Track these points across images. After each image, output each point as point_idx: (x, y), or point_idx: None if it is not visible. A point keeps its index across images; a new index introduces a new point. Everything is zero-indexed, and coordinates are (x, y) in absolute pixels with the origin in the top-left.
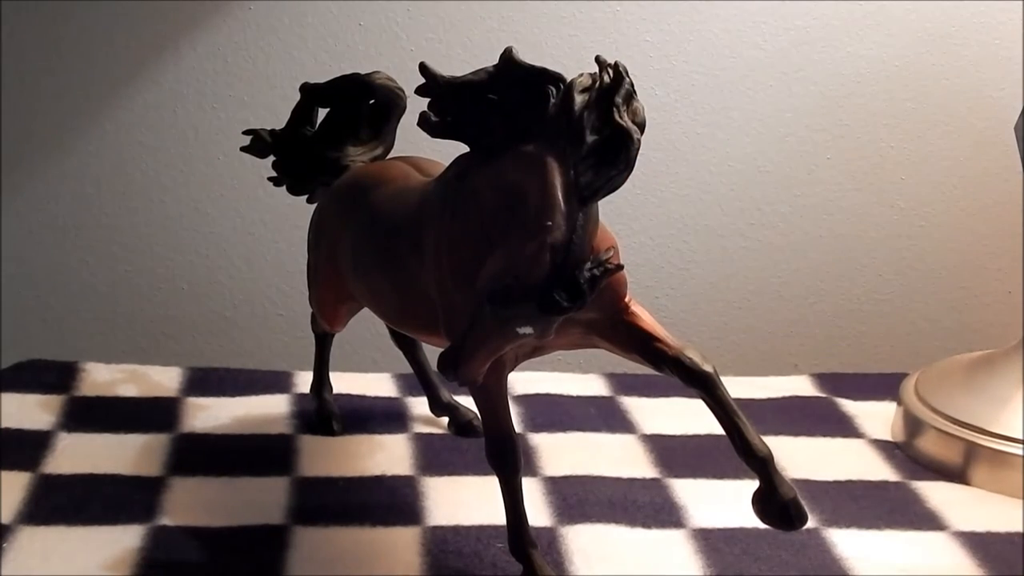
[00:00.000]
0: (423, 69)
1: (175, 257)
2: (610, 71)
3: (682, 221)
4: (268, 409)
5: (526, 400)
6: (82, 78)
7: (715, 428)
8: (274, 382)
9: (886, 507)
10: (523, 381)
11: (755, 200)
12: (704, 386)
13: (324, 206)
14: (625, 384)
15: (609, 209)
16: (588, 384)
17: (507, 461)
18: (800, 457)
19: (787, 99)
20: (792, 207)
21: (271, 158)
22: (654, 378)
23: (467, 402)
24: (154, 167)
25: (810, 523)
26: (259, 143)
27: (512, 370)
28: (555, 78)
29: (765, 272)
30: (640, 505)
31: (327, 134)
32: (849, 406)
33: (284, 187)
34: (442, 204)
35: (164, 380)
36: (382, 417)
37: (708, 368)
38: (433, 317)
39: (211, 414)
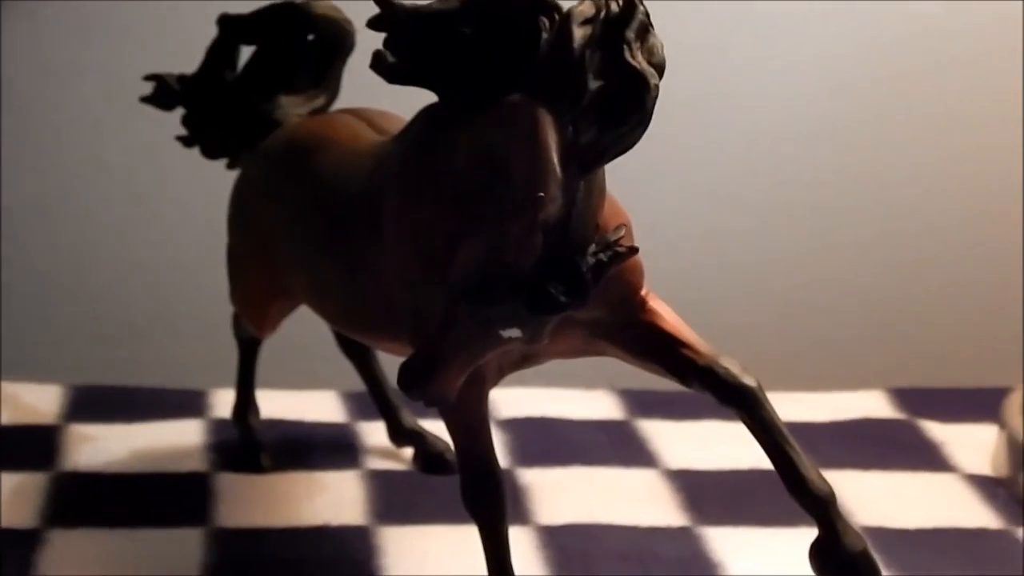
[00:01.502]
0: None
1: (53, 249)
2: None
3: (716, 201)
4: (176, 439)
5: (514, 425)
6: None
7: (760, 460)
8: (183, 403)
9: (984, 562)
10: (510, 400)
11: (810, 184)
12: (745, 405)
13: (250, 175)
14: (642, 403)
15: (622, 185)
16: (594, 403)
17: (489, 505)
18: (872, 497)
19: (851, 100)
20: (861, 194)
21: (179, 111)
22: (680, 395)
23: (437, 428)
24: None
25: None
26: (164, 91)
27: (495, 385)
28: (548, 6)
29: (823, 264)
30: (664, 561)
31: (253, 80)
32: (936, 430)
33: (197, 149)
34: (404, 172)
35: (39, 401)
36: (326, 448)
37: (750, 381)
38: (393, 317)
39: (101, 446)
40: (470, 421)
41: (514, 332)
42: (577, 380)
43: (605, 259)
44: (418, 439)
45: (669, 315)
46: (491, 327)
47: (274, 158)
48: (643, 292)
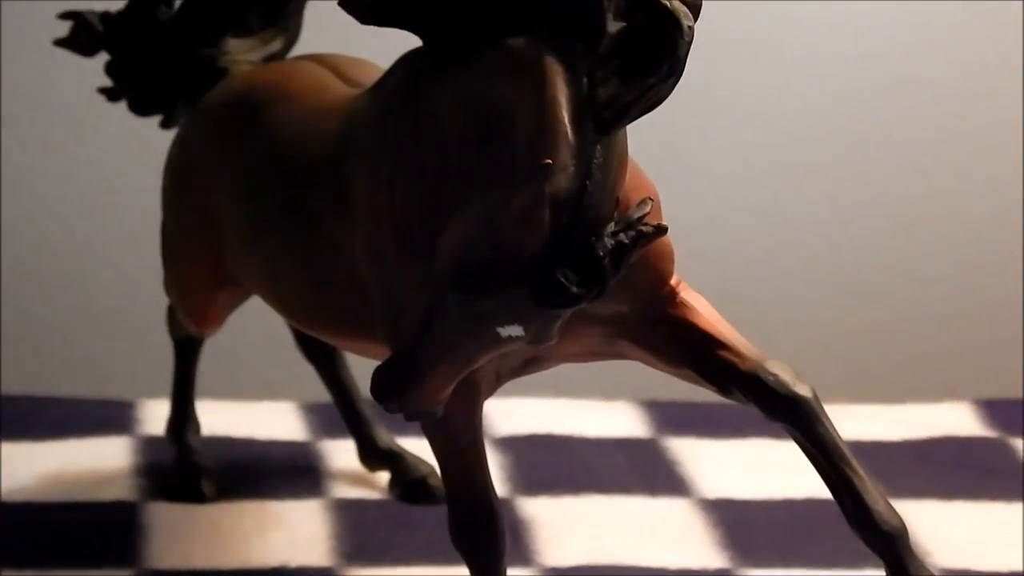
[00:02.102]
0: None
1: None
2: None
3: (767, 188)
4: (97, 461)
5: (514, 444)
6: None
7: (817, 488)
8: (106, 417)
9: None
10: (509, 413)
11: (885, 181)
12: (797, 419)
13: (190, 136)
14: (672, 418)
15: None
16: (613, 418)
17: (483, 542)
18: (955, 533)
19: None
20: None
21: (103, 56)
22: (718, 408)
23: (420, 447)
24: None
25: None
26: (83, 32)
27: (491, 396)
28: None
29: (892, 253)
30: None
31: (193, 18)
32: None
33: (124, 103)
34: (380, 133)
35: None
36: (283, 472)
37: (804, 391)
38: (365, 310)
39: (5, 469)
40: (460, 440)
41: (515, 330)
42: (592, 389)
43: (627, 241)
44: (396, 461)
45: (705, 309)
46: (486, 323)
47: (219, 115)
48: (673, 281)
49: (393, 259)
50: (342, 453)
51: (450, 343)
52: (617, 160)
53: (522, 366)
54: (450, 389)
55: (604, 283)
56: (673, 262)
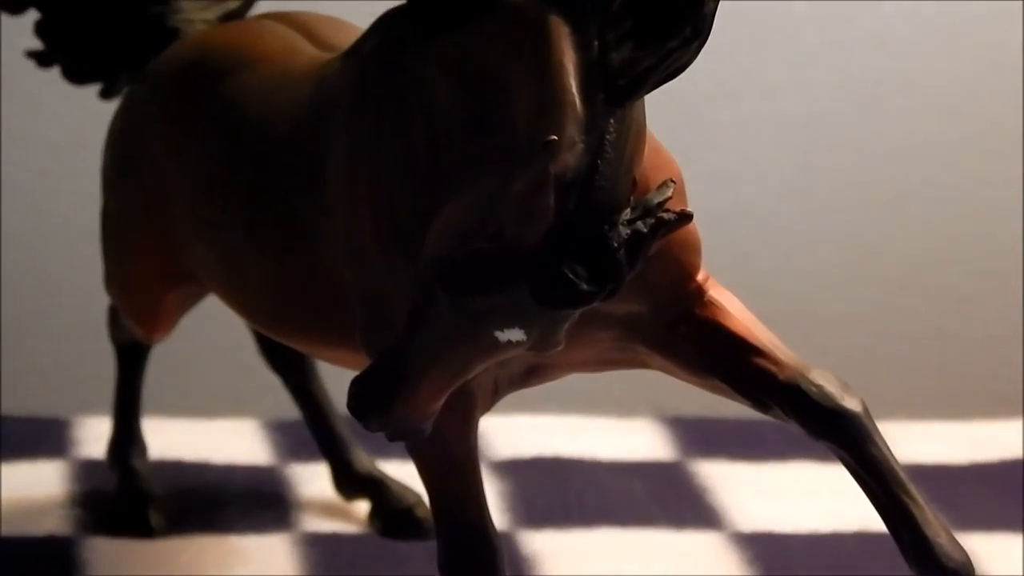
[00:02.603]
0: None
1: None
2: None
3: (815, 182)
4: (27, 488)
5: (516, 469)
6: None
7: (869, 519)
8: (38, 437)
9: None
10: (510, 432)
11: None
12: (845, 437)
13: (136, 107)
14: (700, 437)
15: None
16: (631, 437)
17: None
18: None
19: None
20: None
21: (33, 15)
22: (753, 425)
23: (406, 472)
24: None
25: None
26: None
27: (488, 411)
28: None
29: (959, 249)
30: None
31: None
32: None
33: (59, 70)
34: (358, 104)
35: None
36: (244, 501)
37: (852, 405)
38: (342, 313)
39: None
40: (452, 463)
41: (515, 334)
42: (607, 403)
43: (645, 229)
44: (377, 489)
45: (736, 309)
46: (482, 326)
47: (171, 84)
48: (699, 277)
49: (374, 253)
50: (314, 479)
51: (440, 350)
52: (633, 135)
53: (524, 376)
54: (440, 403)
55: (619, 279)
56: (699, 254)
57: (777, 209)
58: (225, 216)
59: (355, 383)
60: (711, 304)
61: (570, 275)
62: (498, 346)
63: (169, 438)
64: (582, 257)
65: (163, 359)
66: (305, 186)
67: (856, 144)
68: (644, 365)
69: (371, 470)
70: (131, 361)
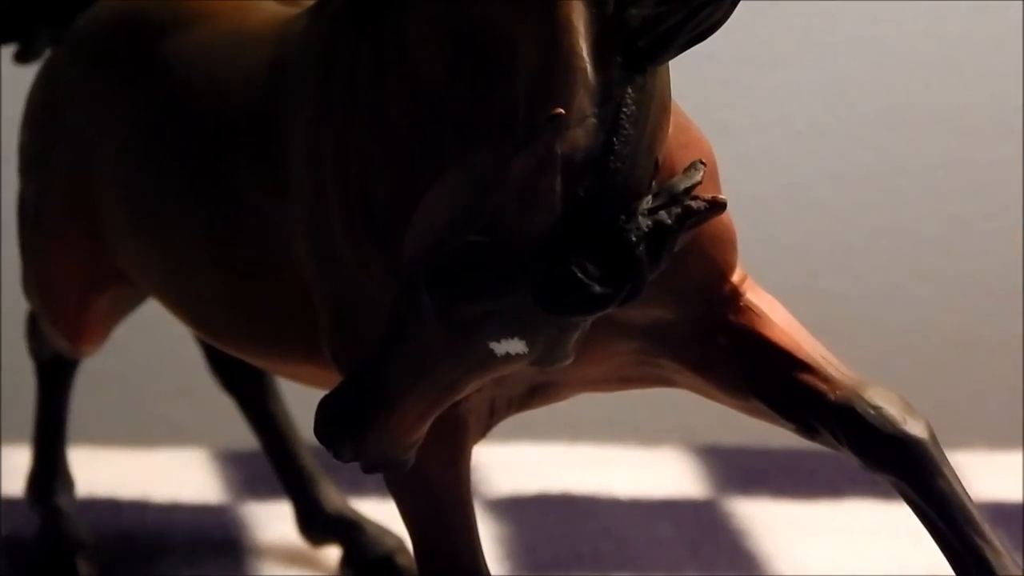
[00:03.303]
0: None
1: None
2: None
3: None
4: None
5: (518, 507)
6: None
7: (935, 563)
8: None
9: None
10: (510, 464)
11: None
12: (908, 469)
13: (59, 74)
14: (737, 470)
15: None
16: (657, 470)
17: None
18: None
19: None
20: None
21: None
22: (800, 456)
23: (385, 513)
24: None
25: None
26: None
27: (484, 437)
28: None
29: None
30: None
31: None
32: None
33: None
34: (324, 72)
35: None
36: (190, 546)
37: (916, 430)
38: (306, 320)
39: None
40: (440, 501)
41: (514, 345)
42: (626, 430)
43: (670, 220)
44: (349, 532)
45: (780, 316)
46: (475, 337)
47: (99, 45)
48: (735, 277)
49: (343, 246)
50: (274, 520)
51: (425, 365)
52: (656, 108)
53: (526, 396)
54: (425, 429)
55: (638, 279)
56: (736, 250)
57: (831, 194)
58: (162, 203)
59: (323, 404)
60: (749, 310)
61: (580, 275)
62: (494, 360)
63: (100, 471)
64: (594, 253)
65: (93, 377)
66: (260, 167)
67: (937, 116)
68: (670, 384)
69: (343, 510)
70: (54, 379)
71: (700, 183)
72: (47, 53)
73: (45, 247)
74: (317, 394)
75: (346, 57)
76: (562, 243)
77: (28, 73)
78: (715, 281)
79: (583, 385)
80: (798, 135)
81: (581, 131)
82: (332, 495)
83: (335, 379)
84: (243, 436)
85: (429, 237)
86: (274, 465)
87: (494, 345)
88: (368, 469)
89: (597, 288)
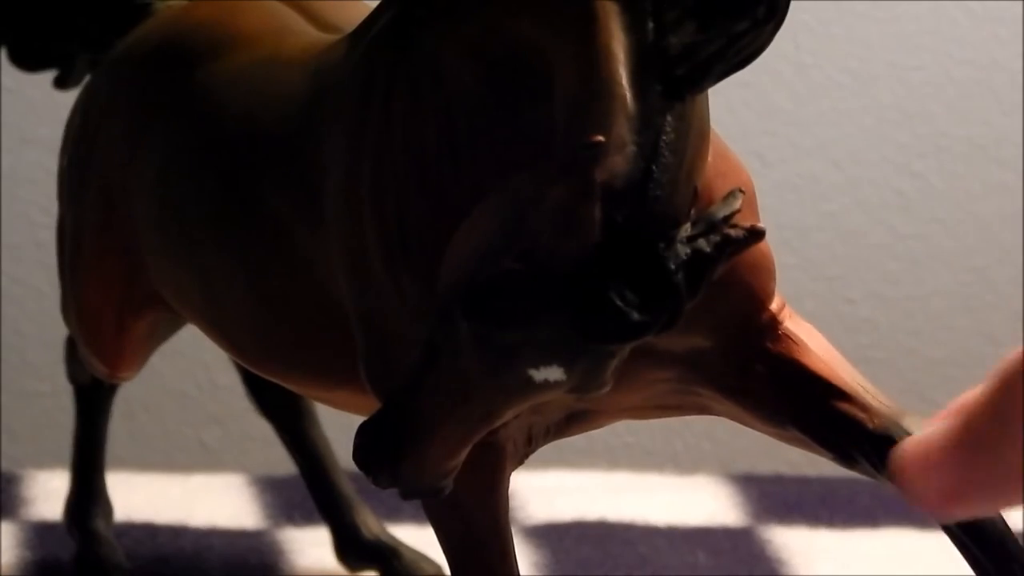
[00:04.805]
0: None
1: None
2: None
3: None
4: None
5: (554, 534)
6: None
7: None
8: None
9: None
10: (547, 491)
11: None
12: None
13: (98, 99)
14: (775, 499)
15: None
16: (693, 497)
17: None
18: None
19: None
20: None
21: None
22: (839, 484)
23: (423, 538)
24: None
25: None
26: None
27: (521, 464)
28: None
29: None
30: None
31: None
32: None
33: (5, 53)
34: (361, 99)
35: None
36: (226, 571)
37: None
38: (344, 346)
39: None
40: (477, 528)
41: (552, 373)
42: (663, 458)
43: (709, 248)
44: (387, 558)
45: (818, 345)
46: (512, 364)
47: (137, 70)
48: (774, 306)
49: (382, 276)
50: (311, 546)
51: (462, 392)
52: (695, 136)
53: (564, 423)
54: (462, 456)
55: (676, 307)
56: (774, 279)
57: (869, 222)
58: (202, 231)
59: (361, 431)
60: (787, 338)
61: (618, 302)
62: (532, 387)
63: (137, 496)
64: (633, 281)
65: (130, 402)
66: (298, 197)
67: (977, 144)
68: (707, 411)
69: (381, 536)
70: (92, 404)
71: (739, 211)
72: (87, 78)
73: (84, 273)
74: (355, 419)
75: (383, 83)
76: (600, 270)
77: (28, 89)
78: (753, 309)
79: (621, 412)
80: (836, 163)
81: (620, 158)
82: (370, 521)
83: (373, 404)
84: (280, 461)
85: (466, 264)
86: (311, 490)
87: (532, 372)
88: (406, 495)
89: (635, 316)
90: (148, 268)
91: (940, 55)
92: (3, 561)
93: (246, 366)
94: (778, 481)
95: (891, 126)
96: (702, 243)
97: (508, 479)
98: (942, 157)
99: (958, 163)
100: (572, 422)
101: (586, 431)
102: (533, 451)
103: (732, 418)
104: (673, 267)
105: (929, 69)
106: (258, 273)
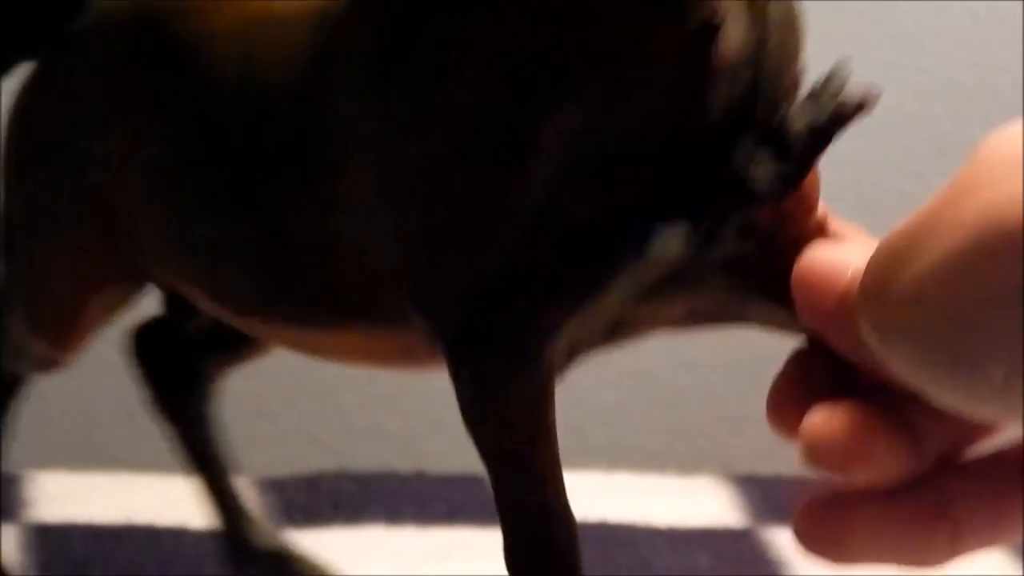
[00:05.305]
0: None
1: None
2: None
3: None
4: None
5: None
6: None
7: None
8: None
9: None
10: None
11: None
12: None
13: (61, 76)
14: (776, 499)
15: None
16: (694, 499)
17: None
18: None
19: None
20: None
21: None
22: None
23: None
24: None
25: None
26: None
27: (563, 377)
28: None
29: None
30: None
31: None
32: None
33: None
34: (385, 58)
35: None
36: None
37: None
38: (355, 273)
39: None
40: (522, 437)
41: (671, 241)
42: (664, 457)
43: (827, 122)
44: (282, 565)
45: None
46: (628, 235)
47: (117, 44)
48: (820, 211)
49: (456, 172)
50: (311, 547)
51: (565, 265)
52: (795, 19)
53: (607, 333)
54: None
55: (799, 175)
56: (818, 187)
57: (871, 224)
58: (198, 191)
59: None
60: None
61: (746, 168)
62: (644, 267)
63: (139, 498)
64: (758, 149)
65: (131, 402)
66: (302, 182)
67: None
68: (743, 319)
69: (272, 544)
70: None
71: (838, 79)
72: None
73: (46, 251)
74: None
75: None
76: (724, 142)
77: None
78: (804, 208)
79: (664, 323)
80: (837, 165)
81: (735, 33)
82: (263, 529)
83: (379, 349)
84: (281, 462)
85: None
86: (208, 496)
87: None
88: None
89: (761, 184)
90: (133, 237)
91: (942, 56)
92: (3, 562)
93: (239, 323)
94: (778, 482)
95: (893, 127)
96: (816, 117)
97: (553, 392)
98: (944, 159)
99: (960, 165)
100: (614, 333)
101: (626, 342)
102: (574, 363)
103: (774, 327)
104: (800, 128)
105: (931, 70)
106: (266, 218)
